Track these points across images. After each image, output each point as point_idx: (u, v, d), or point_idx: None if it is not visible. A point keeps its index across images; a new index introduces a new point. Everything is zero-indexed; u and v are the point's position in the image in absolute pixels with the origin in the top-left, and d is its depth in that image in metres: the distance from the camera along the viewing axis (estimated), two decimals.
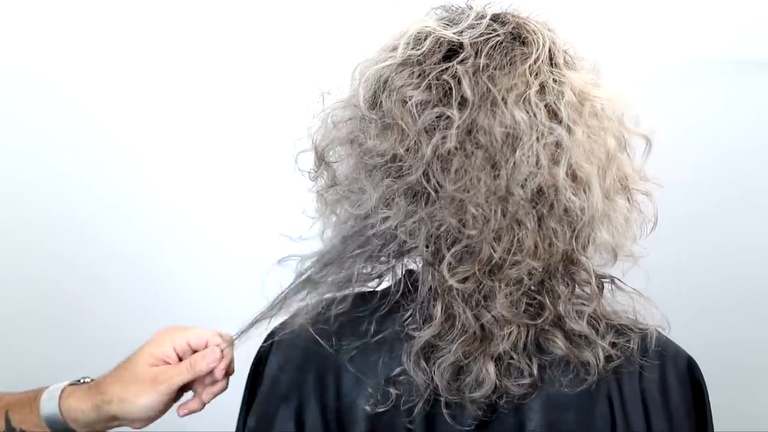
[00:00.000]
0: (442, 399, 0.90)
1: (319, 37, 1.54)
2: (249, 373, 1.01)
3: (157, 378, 0.95)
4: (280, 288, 0.96)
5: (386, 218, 0.87)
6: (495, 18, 0.88)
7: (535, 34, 0.87)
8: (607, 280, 0.92)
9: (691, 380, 0.94)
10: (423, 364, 0.89)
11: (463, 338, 0.88)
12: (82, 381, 1.01)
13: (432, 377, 0.89)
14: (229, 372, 0.99)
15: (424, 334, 0.88)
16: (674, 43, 1.54)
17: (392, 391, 0.91)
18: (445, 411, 0.90)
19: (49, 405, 0.98)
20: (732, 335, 1.57)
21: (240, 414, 1.01)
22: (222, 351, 0.97)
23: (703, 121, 1.54)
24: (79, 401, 0.97)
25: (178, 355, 0.98)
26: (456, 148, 0.84)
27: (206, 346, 0.98)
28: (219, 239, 1.67)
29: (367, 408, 0.91)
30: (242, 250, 1.61)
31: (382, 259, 0.91)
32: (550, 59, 0.87)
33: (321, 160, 0.92)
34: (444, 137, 0.83)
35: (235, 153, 1.65)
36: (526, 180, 0.84)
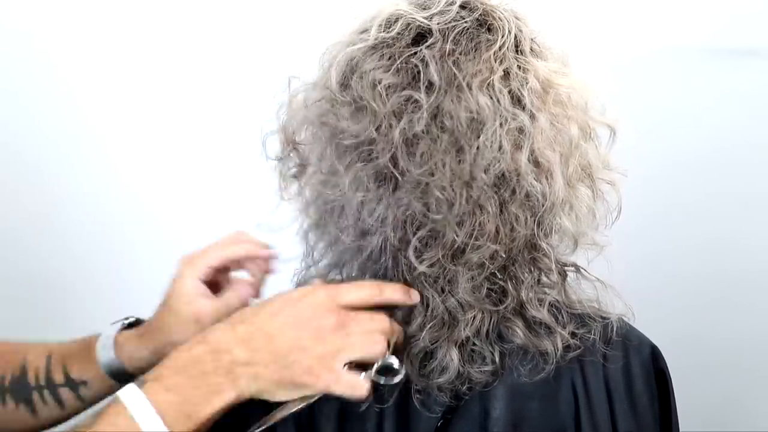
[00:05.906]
0: (412, 386, 0.90)
1: (286, 24, 1.52)
2: None
3: (199, 319, 0.99)
4: None
5: (360, 201, 0.87)
6: (464, 5, 0.88)
7: (501, 21, 0.88)
8: (571, 268, 0.92)
9: (654, 369, 0.95)
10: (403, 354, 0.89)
11: (432, 324, 0.88)
12: (126, 321, 1.06)
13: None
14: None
15: (413, 325, 0.89)
16: (657, 30, 1.54)
17: None
18: (415, 397, 0.90)
19: (106, 354, 1.03)
20: (704, 330, 1.57)
21: None
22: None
23: (683, 111, 1.54)
24: (137, 350, 1.02)
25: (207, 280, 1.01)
26: (423, 132, 0.84)
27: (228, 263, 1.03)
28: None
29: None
30: None
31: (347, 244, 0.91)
32: (516, 46, 0.88)
33: (290, 142, 0.93)
34: (411, 121, 0.84)
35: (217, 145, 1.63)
36: (489, 165, 0.84)
